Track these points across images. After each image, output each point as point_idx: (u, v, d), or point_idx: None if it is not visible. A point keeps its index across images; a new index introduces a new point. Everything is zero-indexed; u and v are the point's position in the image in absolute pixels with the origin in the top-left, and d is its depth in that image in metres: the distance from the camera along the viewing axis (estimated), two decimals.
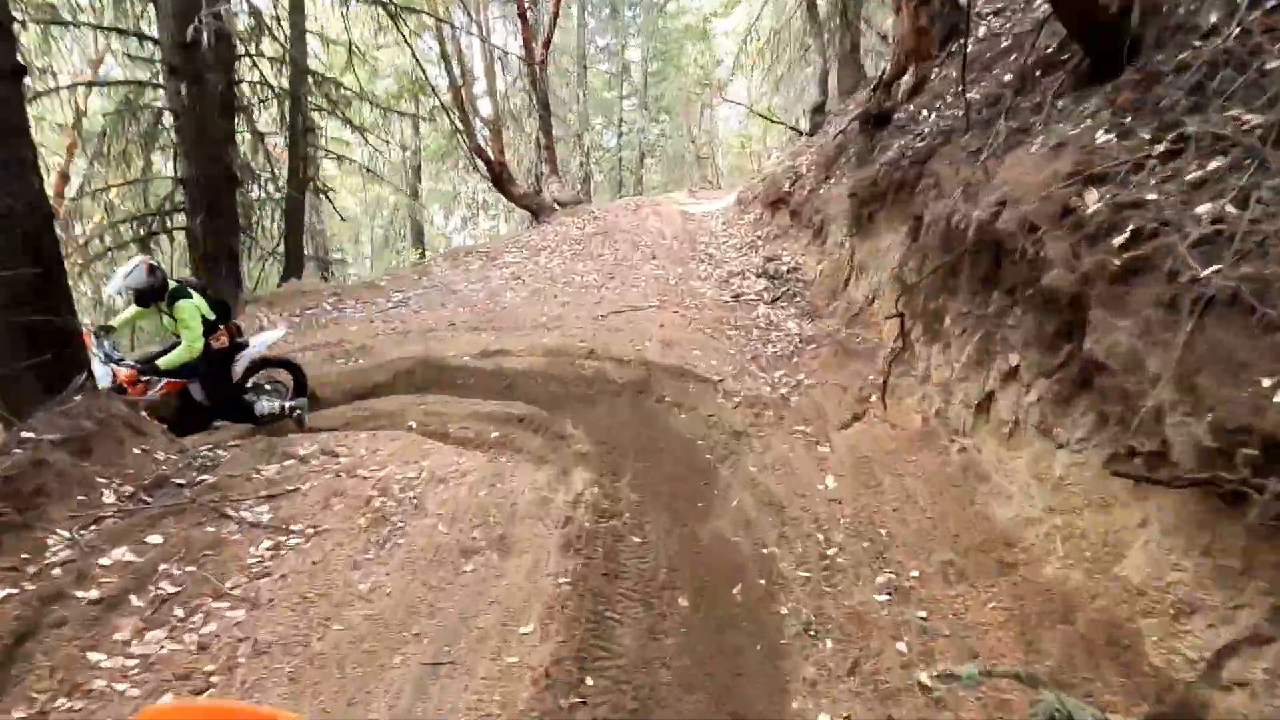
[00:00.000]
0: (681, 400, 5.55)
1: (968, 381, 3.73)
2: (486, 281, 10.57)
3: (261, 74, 9.98)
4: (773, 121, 20.37)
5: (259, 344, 5.30)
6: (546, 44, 16.01)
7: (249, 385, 5.28)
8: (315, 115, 11.63)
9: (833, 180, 9.86)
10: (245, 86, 9.75)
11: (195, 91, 7.99)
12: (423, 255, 20.16)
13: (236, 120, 9.84)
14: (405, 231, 23.76)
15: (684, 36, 25.37)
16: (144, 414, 4.62)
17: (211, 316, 4.92)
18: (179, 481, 3.77)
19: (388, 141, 12.31)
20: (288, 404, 5.20)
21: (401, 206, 21.50)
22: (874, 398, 4.65)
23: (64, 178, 12.02)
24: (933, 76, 8.40)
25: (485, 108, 16.67)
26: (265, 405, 5.10)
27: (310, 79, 9.84)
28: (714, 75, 25.40)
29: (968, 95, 5.05)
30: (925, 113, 7.44)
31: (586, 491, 4.07)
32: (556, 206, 15.36)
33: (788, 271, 9.61)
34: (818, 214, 9.60)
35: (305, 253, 12.75)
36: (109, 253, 8.23)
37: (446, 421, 5.65)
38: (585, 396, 5.95)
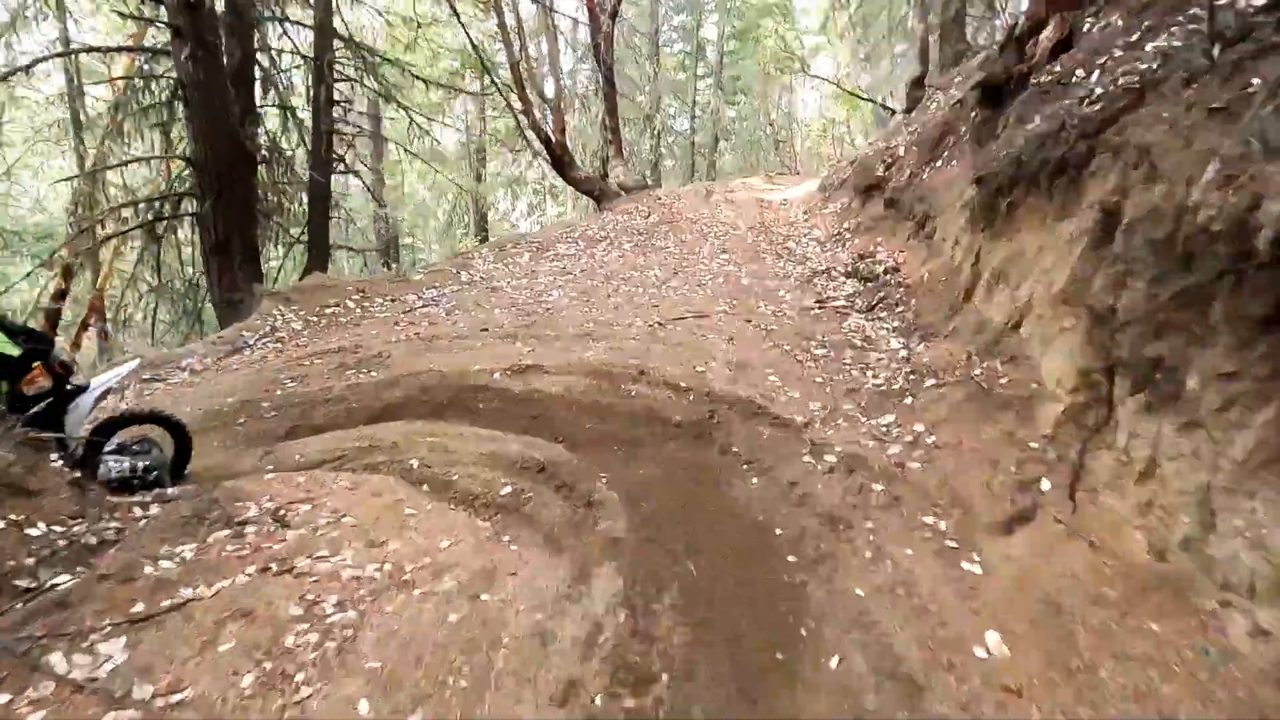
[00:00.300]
0: (754, 455, 4.13)
1: (1256, 501, 2.17)
2: (532, 277, 9.36)
3: (293, 43, 9.02)
4: (861, 99, 18.46)
5: (101, 385, 4.07)
6: (613, 14, 14.67)
7: (114, 446, 4.05)
8: (358, 90, 10.67)
9: (939, 163, 8.24)
10: (272, 55, 8.78)
11: (204, 59, 7.01)
12: (483, 242, 19.21)
13: (268, 94, 8.91)
14: (468, 218, 22.84)
15: (763, 12, 23.52)
16: (56, 460, 3.55)
17: (15, 352, 3.61)
18: (24, 584, 2.63)
19: (432, 120, 11.22)
20: (140, 464, 3.97)
21: (464, 192, 20.50)
22: (1047, 483, 3.08)
23: None
24: (1086, 27, 6.61)
25: (549, 89, 15.52)
26: (112, 466, 3.87)
27: (337, 44, 8.77)
28: (796, 51, 23.49)
29: (1214, 13, 3.36)
30: (1082, 72, 5.73)
31: (609, 619, 2.73)
32: (621, 192, 14.10)
33: (884, 272, 8.04)
34: (921, 202, 7.98)
35: (373, 239, 11.85)
36: (109, 240, 7.37)
37: (453, 464, 4.50)
38: (628, 439, 4.61)
